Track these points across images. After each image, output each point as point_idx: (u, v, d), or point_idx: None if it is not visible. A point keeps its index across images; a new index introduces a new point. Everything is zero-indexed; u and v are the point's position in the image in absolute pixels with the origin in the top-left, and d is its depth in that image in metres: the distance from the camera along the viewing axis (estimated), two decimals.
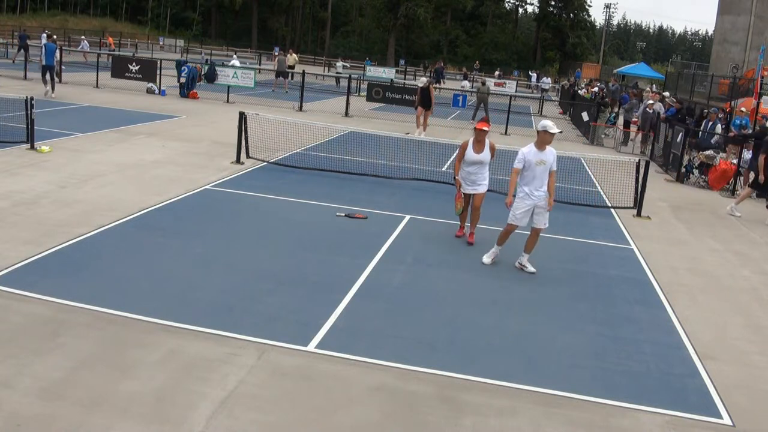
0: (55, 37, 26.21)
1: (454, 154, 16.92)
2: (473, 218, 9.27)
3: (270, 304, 6.51)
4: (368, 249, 8.51)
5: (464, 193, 9.23)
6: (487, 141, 9.09)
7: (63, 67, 25.14)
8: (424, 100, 20.57)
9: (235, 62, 32.72)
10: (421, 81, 21.48)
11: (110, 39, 52.95)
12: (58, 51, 22.26)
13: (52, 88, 20.77)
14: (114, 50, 46.28)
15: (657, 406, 5.30)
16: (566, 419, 4.99)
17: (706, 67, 45.07)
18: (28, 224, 8.18)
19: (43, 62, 20.73)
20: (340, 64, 42.94)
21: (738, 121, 18.33)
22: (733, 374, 6.04)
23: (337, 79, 38.01)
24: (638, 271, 8.86)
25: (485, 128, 8.98)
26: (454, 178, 9.32)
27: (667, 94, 25.13)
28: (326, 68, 53.83)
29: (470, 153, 9.04)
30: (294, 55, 38.77)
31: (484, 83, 27.46)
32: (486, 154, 9.06)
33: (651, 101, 21.54)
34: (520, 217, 8.25)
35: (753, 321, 7.49)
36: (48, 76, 20.70)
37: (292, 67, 36.30)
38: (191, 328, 5.83)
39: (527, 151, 8.31)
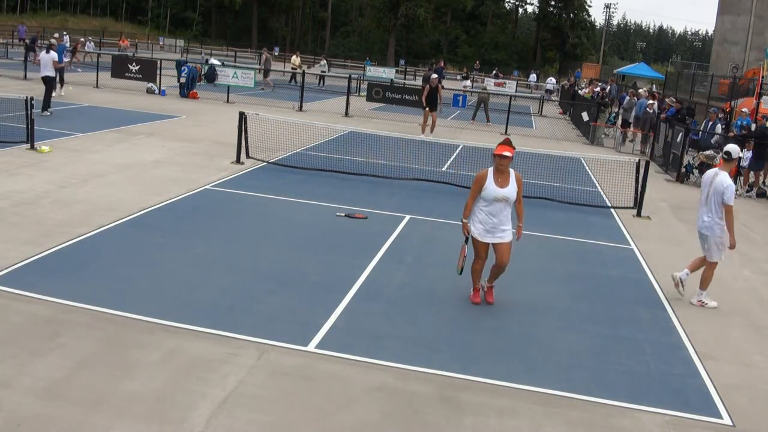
0: (57, 35, 26.22)
1: (454, 156, 17.05)
2: (495, 272, 7.04)
3: (270, 304, 6.51)
4: (368, 249, 8.50)
5: (480, 242, 6.83)
6: (511, 171, 6.81)
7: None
8: (431, 100, 19.68)
9: (214, 61, 32.71)
10: (433, 77, 20.15)
11: (125, 41, 52.34)
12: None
13: (61, 86, 20.83)
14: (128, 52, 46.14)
15: (657, 406, 5.30)
16: (566, 419, 4.99)
17: (706, 67, 45.08)
18: (28, 224, 8.18)
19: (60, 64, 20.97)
20: (323, 62, 43.50)
21: (741, 122, 18.30)
22: (733, 374, 6.04)
23: (321, 79, 38.08)
24: (638, 271, 8.86)
25: (507, 153, 6.61)
26: (462, 221, 6.92)
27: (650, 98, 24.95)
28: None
29: (492, 188, 6.66)
30: (298, 58, 38.98)
31: (485, 88, 27.52)
32: (512, 189, 6.71)
33: (651, 101, 21.55)
34: None
35: (753, 321, 7.49)
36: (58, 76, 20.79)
37: (295, 68, 36.50)
38: (191, 328, 5.83)
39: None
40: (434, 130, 20.09)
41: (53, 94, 20.16)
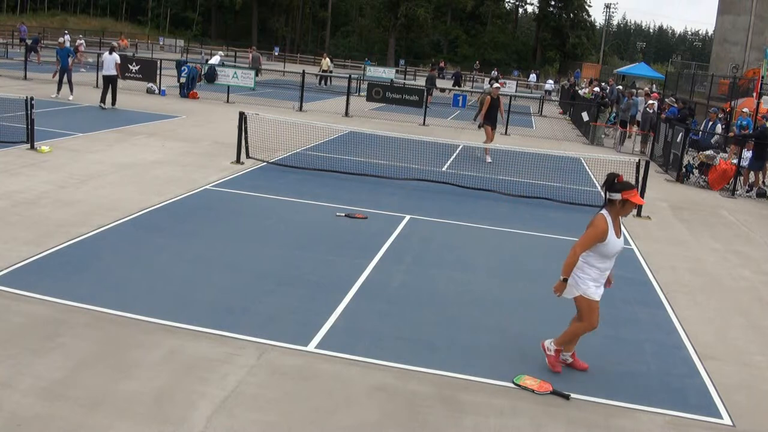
0: (62, 40, 26.08)
1: (454, 156, 17.00)
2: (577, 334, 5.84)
3: (270, 304, 6.51)
4: (368, 249, 8.50)
5: (598, 302, 5.58)
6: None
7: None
8: (492, 115, 16.53)
9: (215, 59, 32.69)
10: (487, 87, 17.69)
11: (125, 41, 52.13)
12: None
13: (71, 89, 20.68)
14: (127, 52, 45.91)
15: (657, 406, 5.30)
16: (566, 419, 4.99)
17: (706, 67, 45.06)
18: (28, 224, 8.18)
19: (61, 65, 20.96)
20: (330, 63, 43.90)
21: (741, 122, 18.30)
22: (733, 374, 6.04)
23: (323, 79, 38.34)
24: (638, 271, 8.86)
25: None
26: (561, 278, 5.62)
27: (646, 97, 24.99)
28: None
29: (614, 240, 5.45)
30: (327, 59, 39.33)
31: (491, 82, 27.52)
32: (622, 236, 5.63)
33: (652, 101, 21.56)
34: None
35: (753, 321, 7.49)
36: (65, 78, 20.68)
37: (326, 71, 36.86)
38: (191, 328, 5.83)
39: None
40: (431, 130, 19.99)
41: (53, 96, 20.21)
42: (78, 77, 26.12)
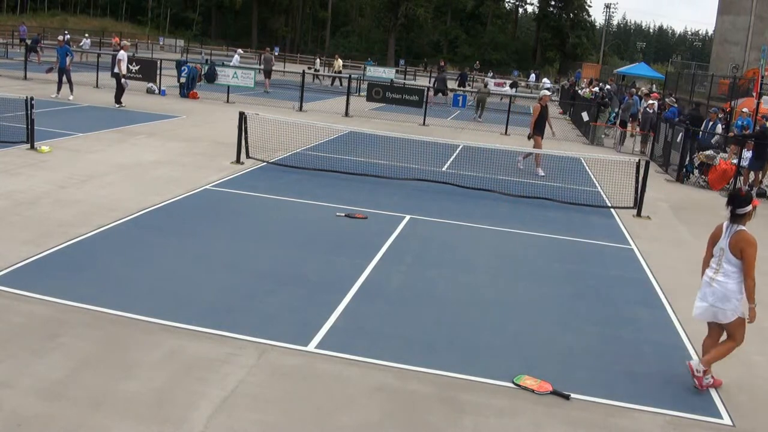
0: (61, 38, 26.06)
1: (454, 156, 17.02)
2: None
3: (270, 304, 6.51)
4: (368, 249, 8.50)
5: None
6: None
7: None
8: (542, 124, 15.56)
9: (236, 58, 32.87)
10: (544, 91, 16.63)
11: (117, 39, 52.23)
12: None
13: (71, 89, 20.63)
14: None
15: (657, 406, 5.30)
16: (566, 419, 4.99)
17: (706, 67, 45.09)
18: (28, 224, 8.18)
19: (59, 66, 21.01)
20: (317, 62, 44.78)
21: (740, 122, 18.29)
22: (733, 374, 6.04)
23: (314, 77, 38.67)
24: (638, 271, 8.85)
25: None
26: (751, 306, 5.59)
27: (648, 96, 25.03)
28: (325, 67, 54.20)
29: None
30: (340, 60, 39.82)
31: (486, 84, 27.58)
32: None
33: (652, 101, 21.56)
34: None
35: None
36: (65, 78, 20.62)
37: (339, 72, 37.12)
38: (191, 328, 5.83)
39: None
40: (431, 130, 19.96)
41: (53, 96, 20.21)
42: (78, 77, 26.13)
